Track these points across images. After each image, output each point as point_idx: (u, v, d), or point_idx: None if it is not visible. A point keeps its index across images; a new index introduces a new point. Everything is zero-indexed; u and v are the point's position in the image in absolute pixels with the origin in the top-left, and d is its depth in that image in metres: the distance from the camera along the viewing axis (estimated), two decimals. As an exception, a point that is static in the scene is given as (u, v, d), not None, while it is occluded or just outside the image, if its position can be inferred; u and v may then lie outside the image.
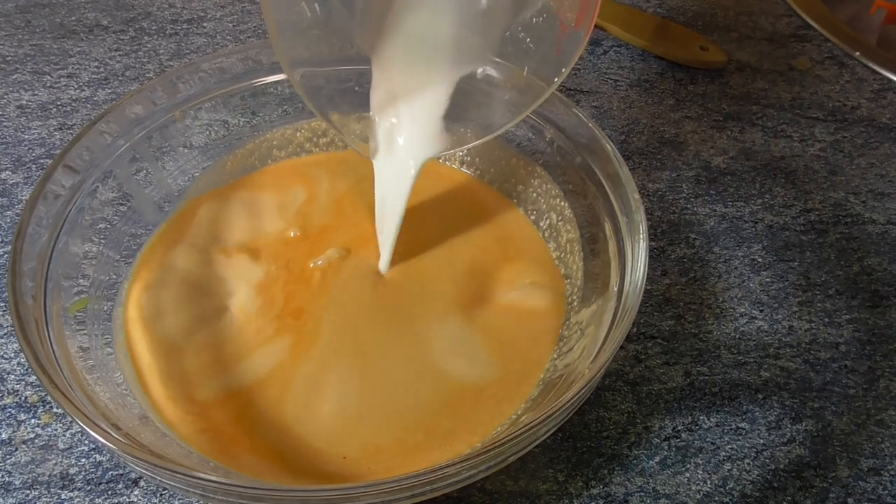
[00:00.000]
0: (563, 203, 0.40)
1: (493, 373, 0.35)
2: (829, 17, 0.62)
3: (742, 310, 0.43)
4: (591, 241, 0.38)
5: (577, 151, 0.39)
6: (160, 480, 0.27)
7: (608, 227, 0.36)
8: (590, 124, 0.37)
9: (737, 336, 0.41)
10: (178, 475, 0.25)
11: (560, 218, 0.40)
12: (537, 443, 0.29)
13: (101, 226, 0.38)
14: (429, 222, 0.41)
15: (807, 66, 0.59)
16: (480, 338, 0.36)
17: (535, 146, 0.42)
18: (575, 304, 0.37)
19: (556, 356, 0.35)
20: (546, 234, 0.41)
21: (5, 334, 0.41)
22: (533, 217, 0.42)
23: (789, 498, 0.35)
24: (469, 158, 0.45)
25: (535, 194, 0.42)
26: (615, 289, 0.33)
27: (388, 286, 0.39)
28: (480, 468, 0.27)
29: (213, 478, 0.25)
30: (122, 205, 0.39)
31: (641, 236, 0.33)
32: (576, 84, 0.57)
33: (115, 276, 0.38)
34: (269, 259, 0.39)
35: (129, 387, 0.33)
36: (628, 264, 0.33)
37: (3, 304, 0.42)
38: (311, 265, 0.39)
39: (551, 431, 0.29)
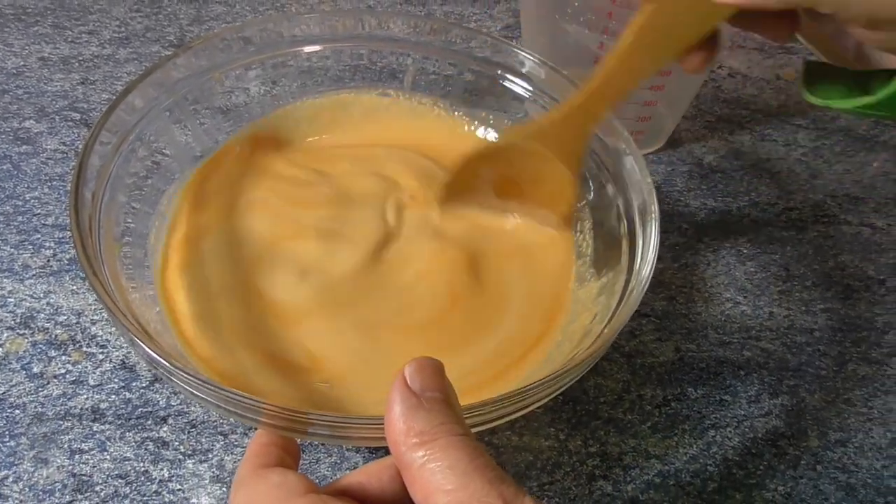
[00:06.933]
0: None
1: (515, 328, 0.38)
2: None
3: (728, 295, 0.46)
4: (601, 222, 0.41)
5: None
6: (214, 404, 0.28)
7: (620, 209, 0.39)
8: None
9: (722, 318, 0.45)
10: (235, 398, 0.27)
11: (571, 198, 0.43)
12: (557, 393, 0.31)
13: (132, 180, 0.39)
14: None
15: (793, 76, 0.63)
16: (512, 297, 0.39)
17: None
18: (587, 277, 0.40)
19: (566, 323, 0.38)
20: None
21: (34, 275, 0.42)
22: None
23: (766, 463, 0.39)
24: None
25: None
26: (625, 263, 0.36)
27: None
28: (508, 408, 0.29)
29: (269, 403, 0.27)
30: (155, 162, 0.41)
31: (654, 216, 0.36)
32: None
33: (148, 226, 0.40)
34: (304, 208, 0.41)
35: (166, 324, 0.35)
36: (639, 241, 0.36)
37: (31, 247, 0.43)
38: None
39: (570, 384, 0.31)
